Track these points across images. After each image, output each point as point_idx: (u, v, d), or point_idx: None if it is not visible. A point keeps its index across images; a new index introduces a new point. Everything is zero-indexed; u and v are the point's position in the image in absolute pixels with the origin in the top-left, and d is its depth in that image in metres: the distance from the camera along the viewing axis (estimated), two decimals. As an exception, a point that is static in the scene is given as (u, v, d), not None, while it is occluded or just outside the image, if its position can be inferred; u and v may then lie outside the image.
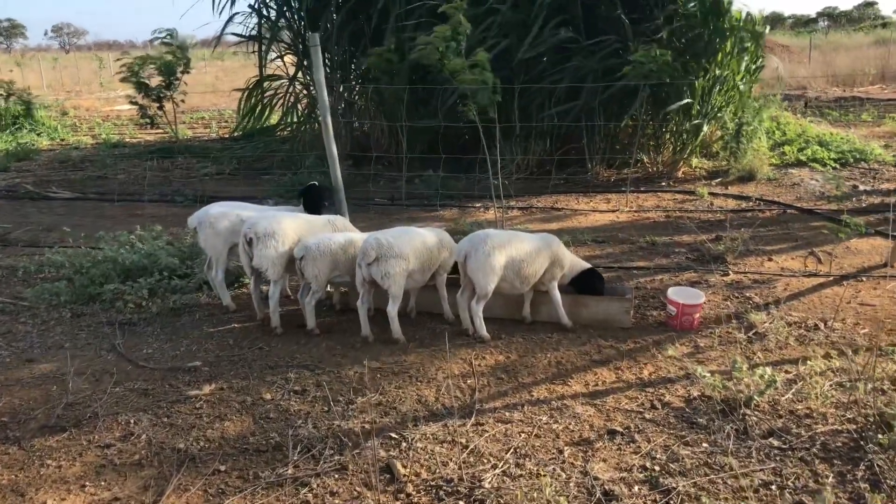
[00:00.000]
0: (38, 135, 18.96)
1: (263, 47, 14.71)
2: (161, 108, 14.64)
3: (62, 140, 18.83)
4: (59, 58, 65.60)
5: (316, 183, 7.19)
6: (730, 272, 7.48)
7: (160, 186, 12.80)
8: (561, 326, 6.12)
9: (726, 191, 11.27)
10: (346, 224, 6.70)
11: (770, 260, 7.84)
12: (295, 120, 14.95)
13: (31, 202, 11.85)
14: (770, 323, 6.03)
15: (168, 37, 14.06)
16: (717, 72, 11.78)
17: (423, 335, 6.03)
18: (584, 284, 6.27)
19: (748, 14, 12.17)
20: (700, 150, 12.86)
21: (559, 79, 11.79)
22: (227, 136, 18.26)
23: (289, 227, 6.13)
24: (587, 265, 6.32)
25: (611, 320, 6.17)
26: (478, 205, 10.84)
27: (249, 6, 14.47)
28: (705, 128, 12.13)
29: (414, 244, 5.82)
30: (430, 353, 5.62)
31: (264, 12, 14.84)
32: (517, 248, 5.85)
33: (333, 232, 6.43)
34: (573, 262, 6.24)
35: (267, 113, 15.97)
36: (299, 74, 14.83)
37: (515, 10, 11.83)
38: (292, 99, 14.88)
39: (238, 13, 48.82)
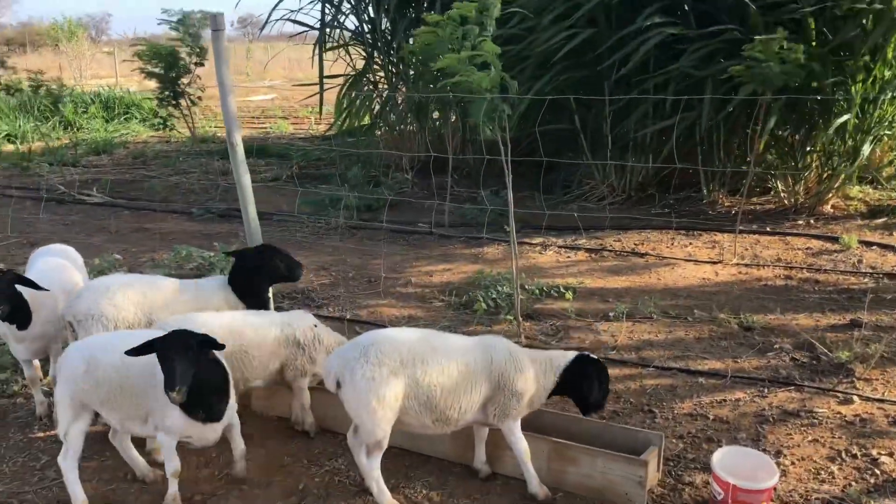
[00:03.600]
0: (143, 123, 18.52)
1: (330, 37, 12.92)
2: (176, 104, 13.15)
3: (169, 130, 18.07)
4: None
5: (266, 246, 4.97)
6: (855, 398, 4.72)
7: (202, 194, 11.38)
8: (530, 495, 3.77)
9: (887, 239, 8.10)
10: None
11: (930, 380, 4.97)
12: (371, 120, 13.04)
13: (57, 205, 10.78)
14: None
15: (180, 21, 12.55)
16: (887, 73, 8.58)
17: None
18: (573, 384, 3.88)
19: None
20: (858, 178, 9.62)
21: (663, 82, 9.06)
22: (316, 134, 16.77)
23: (125, 300, 4.20)
24: (566, 360, 3.90)
25: (612, 492, 3.72)
26: (536, 241, 8.43)
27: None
28: (866, 148, 8.93)
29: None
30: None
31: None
32: (428, 370, 3.55)
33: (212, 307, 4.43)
34: (543, 368, 3.85)
35: (360, 113, 14.07)
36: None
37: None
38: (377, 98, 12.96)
39: None
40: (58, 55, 37.28)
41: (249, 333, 4.21)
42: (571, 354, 3.91)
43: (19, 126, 16.50)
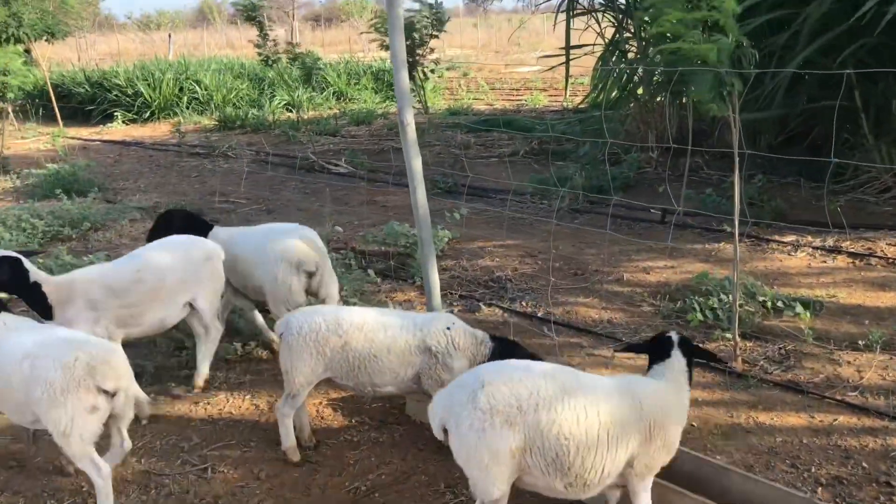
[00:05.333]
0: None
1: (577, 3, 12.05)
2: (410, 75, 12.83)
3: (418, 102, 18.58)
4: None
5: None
6: None
7: (437, 168, 11.31)
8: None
9: None
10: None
11: None
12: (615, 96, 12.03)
13: (306, 174, 11.33)
14: None
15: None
16: None
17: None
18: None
19: None
20: None
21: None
22: (569, 107, 16.06)
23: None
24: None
25: None
26: (788, 239, 7.09)
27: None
28: None
29: None
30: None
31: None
32: (556, 418, 2.84)
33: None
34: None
35: (610, 86, 13.14)
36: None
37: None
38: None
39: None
40: (353, 29, 40.46)
41: (380, 336, 3.82)
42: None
43: (298, 96, 17.86)
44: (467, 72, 25.67)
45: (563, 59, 12.41)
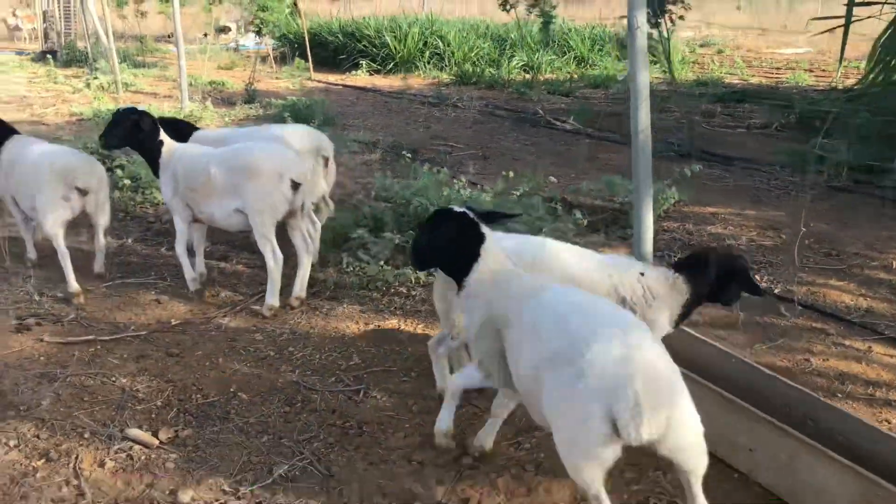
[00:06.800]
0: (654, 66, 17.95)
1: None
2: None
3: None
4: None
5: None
6: None
7: (671, 133, 10.22)
8: None
9: None
10: None
11: None
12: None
13: (530, 127, 10.77)
14: None
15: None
16: None
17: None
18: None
19: None
20: None
21: None
22: (838, 87, 13.98)
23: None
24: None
25: None
26: None
27: None
28: None
29: None
30: None
31: None
32: None
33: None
34: None
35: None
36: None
37: None
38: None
39: None
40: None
41: (583, 279, 3.12)
42: None
43: (537, 57, 17.31)
44: (722, 49, 23.61)
45: (838, 21, 10.64)
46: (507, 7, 11.82)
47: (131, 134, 4.71)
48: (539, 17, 14.20)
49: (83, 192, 4.70)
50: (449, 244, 2.91)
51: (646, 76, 3.79)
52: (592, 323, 2.47)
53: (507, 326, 2.71)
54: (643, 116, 3.80)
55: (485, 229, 2.91)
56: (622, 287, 3.11)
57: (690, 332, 3.65)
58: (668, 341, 3.37)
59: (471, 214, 2.92)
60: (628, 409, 2.16)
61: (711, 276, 3.09)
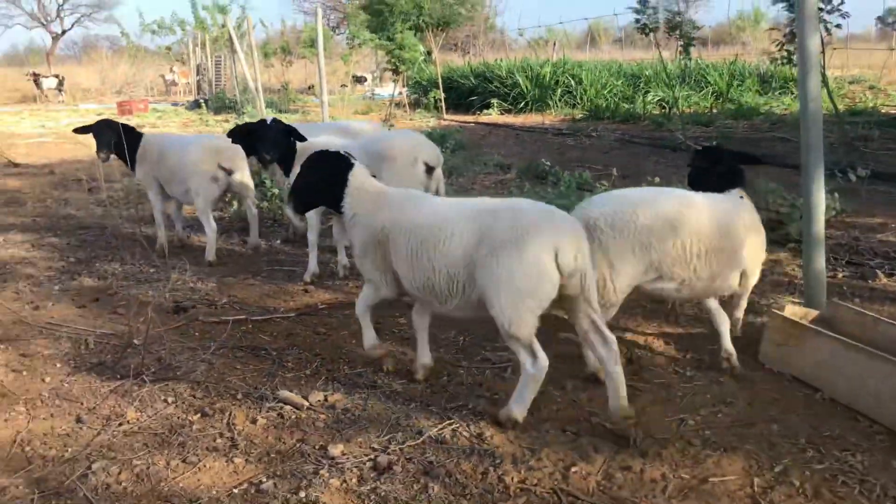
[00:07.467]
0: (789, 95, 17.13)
1: None
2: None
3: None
4: None
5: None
6: None
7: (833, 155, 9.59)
8: None
9: None
10: None
11: None
12: None
13: (670, 151, 10.45)
14: None
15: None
16: None
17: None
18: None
19: None
20: None
21: None
22: None
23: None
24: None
25: None
26: None
27: None
28: None
29: None
30: None
31: None
32: None
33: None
34: None
35: None
36: None
37: None
38: None
39: None
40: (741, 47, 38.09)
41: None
42: None
43: (673, 93, 16.93)
44: (874, 84, 22.28)
45: None
46: (647, 31, 11.56)
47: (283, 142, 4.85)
48: (678, 40, 13.87)
49: (229, 172, 5.26)
50: (319, 177, 3.28)
51: (816, 41, 3.54)
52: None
53: (388, 238, 3.10)
54: (813, 85, 3.55)
55: (353, 159, 3.30)
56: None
57: (871, 314, 3.33)
58: (851, 325, 3.16)
59: (338, 151, 3.34)
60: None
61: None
